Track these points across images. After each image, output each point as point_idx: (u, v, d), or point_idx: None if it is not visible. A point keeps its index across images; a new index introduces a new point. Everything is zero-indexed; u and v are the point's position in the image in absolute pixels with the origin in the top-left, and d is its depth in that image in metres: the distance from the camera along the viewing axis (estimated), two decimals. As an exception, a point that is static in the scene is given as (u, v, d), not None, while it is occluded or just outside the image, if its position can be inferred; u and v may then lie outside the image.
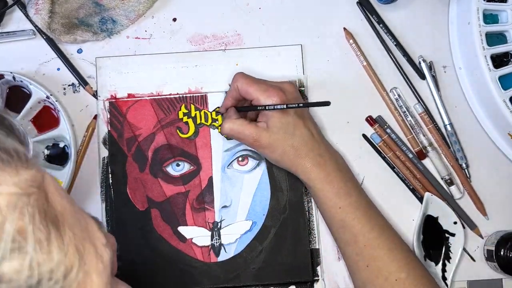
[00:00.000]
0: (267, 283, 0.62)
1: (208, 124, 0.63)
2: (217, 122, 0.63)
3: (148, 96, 0.64)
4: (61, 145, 0.62)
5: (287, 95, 0.58)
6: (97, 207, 0.62)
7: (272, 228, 0.62)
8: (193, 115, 0.63)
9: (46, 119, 0.62)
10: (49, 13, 0.60)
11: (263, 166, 0.63)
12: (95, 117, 0.63)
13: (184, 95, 0.64)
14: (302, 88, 0.64)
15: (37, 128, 0.61)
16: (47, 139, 0.61)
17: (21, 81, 0.61)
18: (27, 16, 0.63)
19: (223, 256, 0.62)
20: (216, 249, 0.62)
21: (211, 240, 0.62)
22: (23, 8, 0.63)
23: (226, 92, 0.63)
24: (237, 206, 0.63)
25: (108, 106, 0.63)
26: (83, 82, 0.63)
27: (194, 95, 0.64)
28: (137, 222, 0.62)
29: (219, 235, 0.62)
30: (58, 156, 0.62)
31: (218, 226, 0.62)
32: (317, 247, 0.63)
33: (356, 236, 0.57)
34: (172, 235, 0.62)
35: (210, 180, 0.63)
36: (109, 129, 0.63)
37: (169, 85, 0.64)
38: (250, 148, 0.63)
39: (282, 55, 0.65)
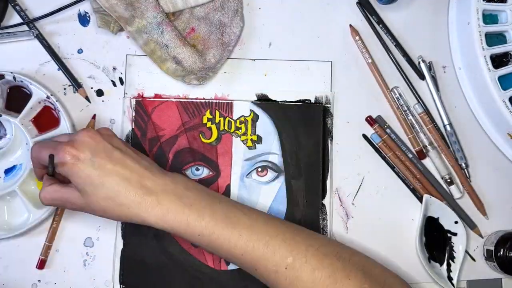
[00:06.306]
0: None
1: (232, 131, 0.63)
2: (240, 130, 0.63)
3: (175, 98, 0.63)
4: (61, 145, 0.62)
5: (78, 147, 0.52)
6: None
7: None
8: (217, 121, 0.63)
9: (46, 119, 0.62)
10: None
11: (282, 179, 0.63)
12: (94, 116, 0.63)
13: (210, 101, 0.63)
14: (328, 105, 0.64)
15: (37, 128, 0.61)
16: (47, 139, 0.61)
17: (22, 81, 0.61)
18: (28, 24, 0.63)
19: (234, 265, 0.61)
20: None
21: None
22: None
23: (251, 101, 0.64)
24: None
25: (134, 104, 0.63)
26: (77, 84, 0.63)
27: (220, 101, 0.63)
28: None
29: None
30: (58, 156, 0.62)
31: None
32: None
33: (229, 251, 0.52)
34: None
35: (228, 187, 0.62)
36: (133, 127, 0.63)
37: (196, 89, 0.64)
38: (270, 160, 0.63)
39: (311, 70, 0.65)
